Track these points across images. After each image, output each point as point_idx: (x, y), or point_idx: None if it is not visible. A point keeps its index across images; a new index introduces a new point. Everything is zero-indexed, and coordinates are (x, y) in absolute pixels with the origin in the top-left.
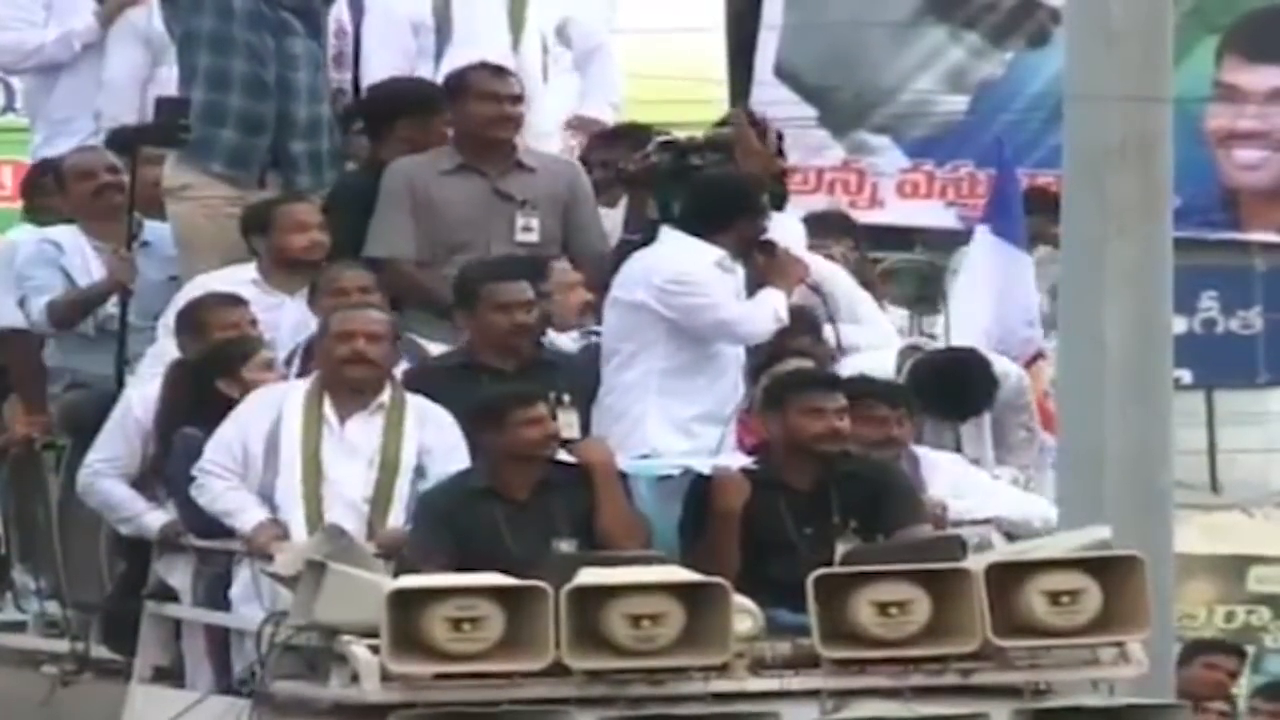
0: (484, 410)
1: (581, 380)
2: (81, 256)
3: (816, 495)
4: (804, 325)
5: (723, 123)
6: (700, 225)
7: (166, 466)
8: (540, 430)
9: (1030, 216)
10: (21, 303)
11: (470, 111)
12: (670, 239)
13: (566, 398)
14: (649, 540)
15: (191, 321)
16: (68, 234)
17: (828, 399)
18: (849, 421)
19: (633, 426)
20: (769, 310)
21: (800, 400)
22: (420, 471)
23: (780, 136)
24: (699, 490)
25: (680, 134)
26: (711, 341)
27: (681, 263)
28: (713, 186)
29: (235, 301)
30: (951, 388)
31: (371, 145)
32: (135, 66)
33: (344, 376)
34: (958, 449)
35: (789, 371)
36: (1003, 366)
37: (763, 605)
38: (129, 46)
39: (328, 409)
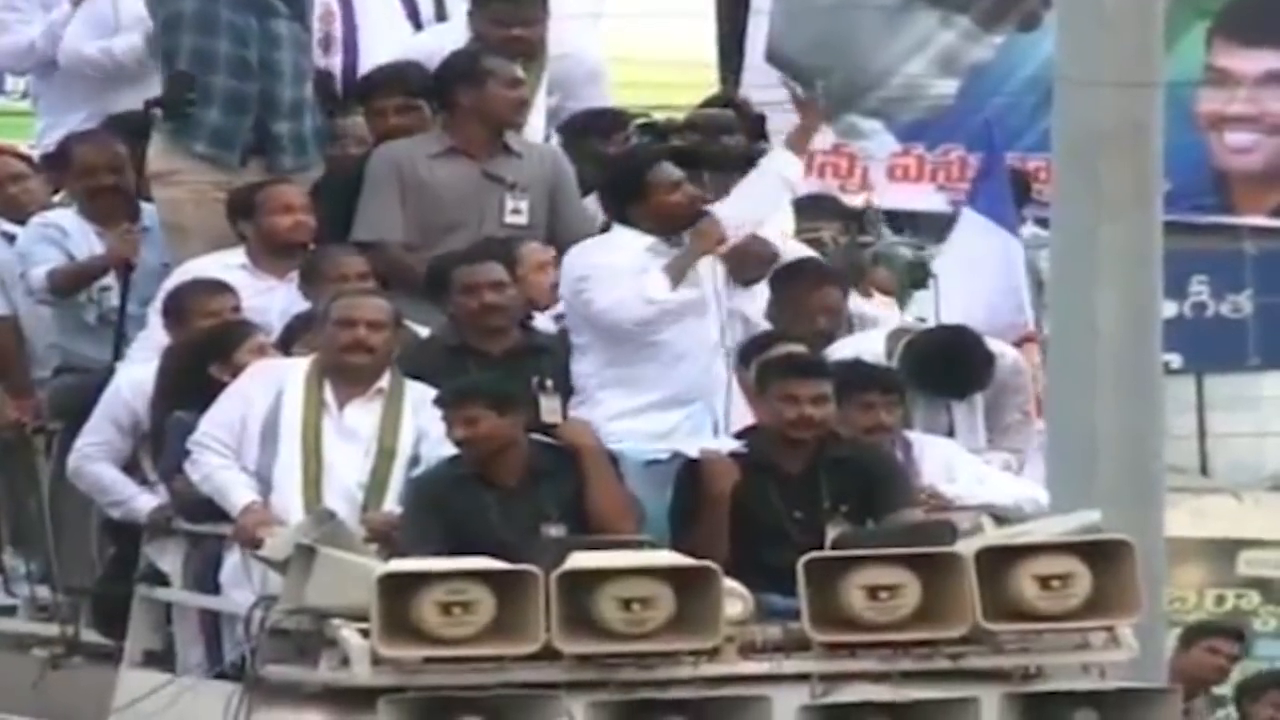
0: (436, 403)
1: (565, 364)
2: (86, 240)
3: (806, 479)
4: (833, 277)
5: (708, 103)
6: (612, 212)
7: (159, 450)
8: (461, 432)
9: None
10: (21, 277)
11: (492, 95)
12: (615, 228)
13: (549, 383)
14: (641, 521)
15: (174, 308)
16: (70, 218)
17: (804, 386)
18: (829, 408)
19: (588, 414)
20: (633, 295)
21: (778, 386)
22: (416, 460)
23: (763, 119)
24: (688, 474)
25: (659, 116)
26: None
27: (592, 256)
28: (608, 169)
29: (219, 288)
30: (947, 366)
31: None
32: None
33: (345, 363)
34: (951, 433)
35: (776, 356)
36: (999, 347)
37: (753, 589)
38: (86, 31)
39: (327, 393)
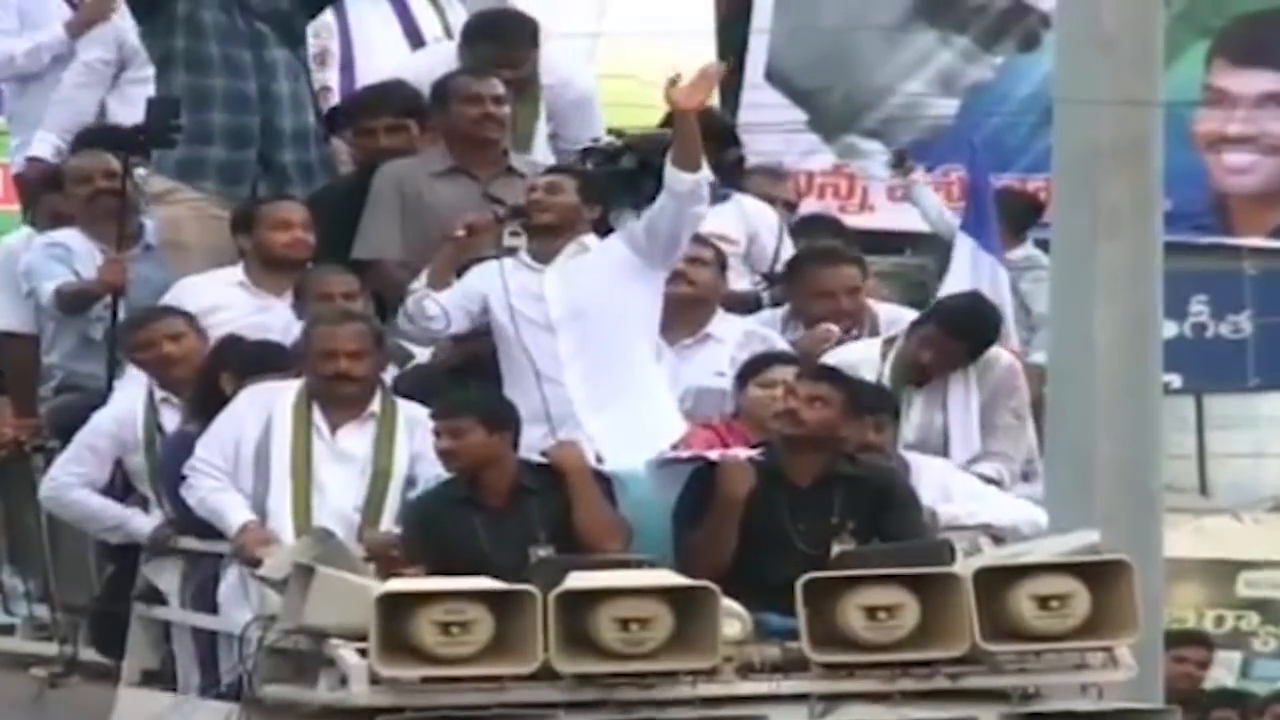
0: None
1: None
2: (91, 259)
3: (816, 492)
4: (849, 257)
5: (665, 123)
6: None
7: (161, 464)
8: (447, 443)
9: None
10: (29, 294)
11: (455, 114)
12: None
13: None
14: (629, 540)
15: (127, 340)
16: (75, 237)
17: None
18: (828, 412)
19: None
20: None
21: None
22: (412, 481)
23: (732, 129)
24: (703, 475)
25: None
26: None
27: None
28: None
29: (160, 314)
30: (977, 317)
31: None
32: (96, 75)
33: (330, 392)
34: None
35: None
36: (996, 349)
37: (752, 605)
38: (92, 55)
39: (317, 417)
